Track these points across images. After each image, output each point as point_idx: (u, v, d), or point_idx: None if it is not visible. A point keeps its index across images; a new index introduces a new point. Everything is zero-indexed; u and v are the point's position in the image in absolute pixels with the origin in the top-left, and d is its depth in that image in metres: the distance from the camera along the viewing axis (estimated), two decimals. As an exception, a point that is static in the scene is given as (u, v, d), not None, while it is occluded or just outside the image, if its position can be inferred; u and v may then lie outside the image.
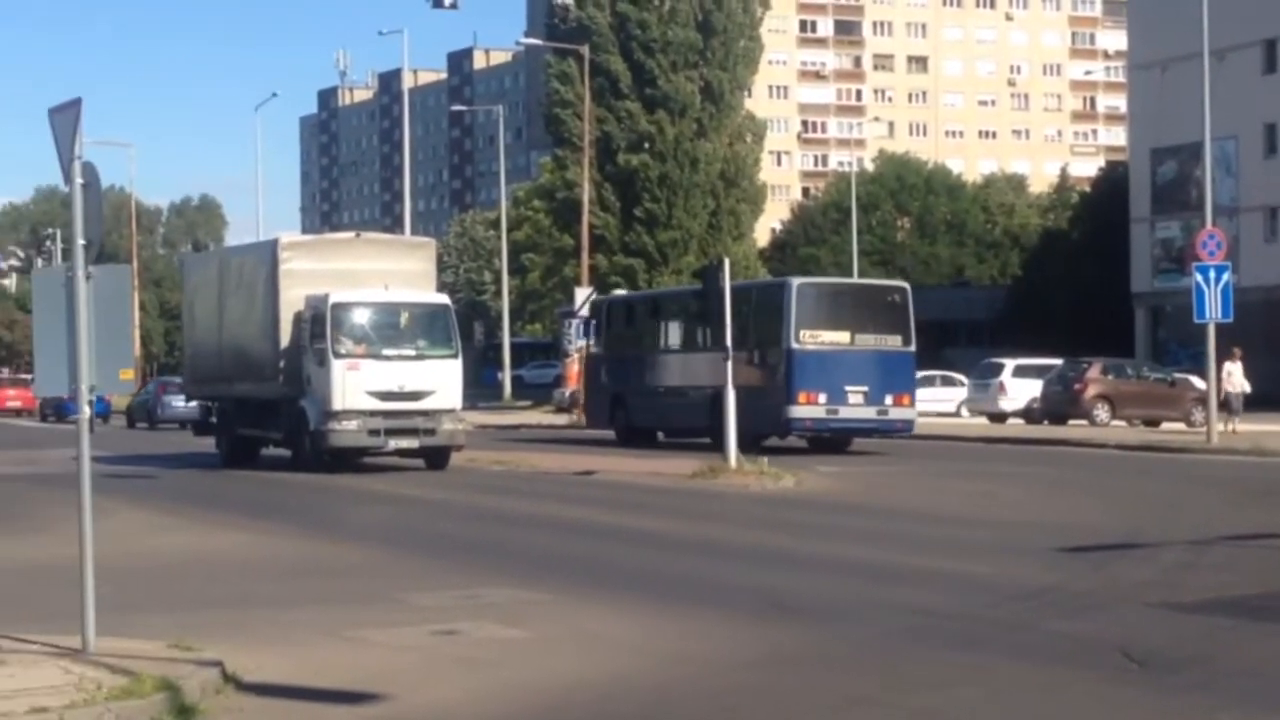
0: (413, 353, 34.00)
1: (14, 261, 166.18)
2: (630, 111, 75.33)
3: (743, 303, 36.73)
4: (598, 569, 18.92)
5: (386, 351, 33.54)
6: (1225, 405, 41.89)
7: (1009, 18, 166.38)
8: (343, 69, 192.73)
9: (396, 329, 34.21)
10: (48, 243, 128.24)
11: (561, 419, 59.03)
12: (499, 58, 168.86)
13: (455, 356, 34.54)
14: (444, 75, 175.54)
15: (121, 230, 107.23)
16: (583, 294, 58.30)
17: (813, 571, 18.31)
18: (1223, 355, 41.60)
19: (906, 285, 44.07)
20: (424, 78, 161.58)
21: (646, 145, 75.47)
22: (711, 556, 20.06)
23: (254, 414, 37.11)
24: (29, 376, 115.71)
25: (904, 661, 12.76)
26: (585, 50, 71.53)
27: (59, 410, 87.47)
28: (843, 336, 40.07)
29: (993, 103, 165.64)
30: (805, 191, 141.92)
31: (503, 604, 15.82)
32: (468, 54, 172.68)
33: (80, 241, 12.53)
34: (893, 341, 40.41)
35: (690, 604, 15.84)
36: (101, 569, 12.91)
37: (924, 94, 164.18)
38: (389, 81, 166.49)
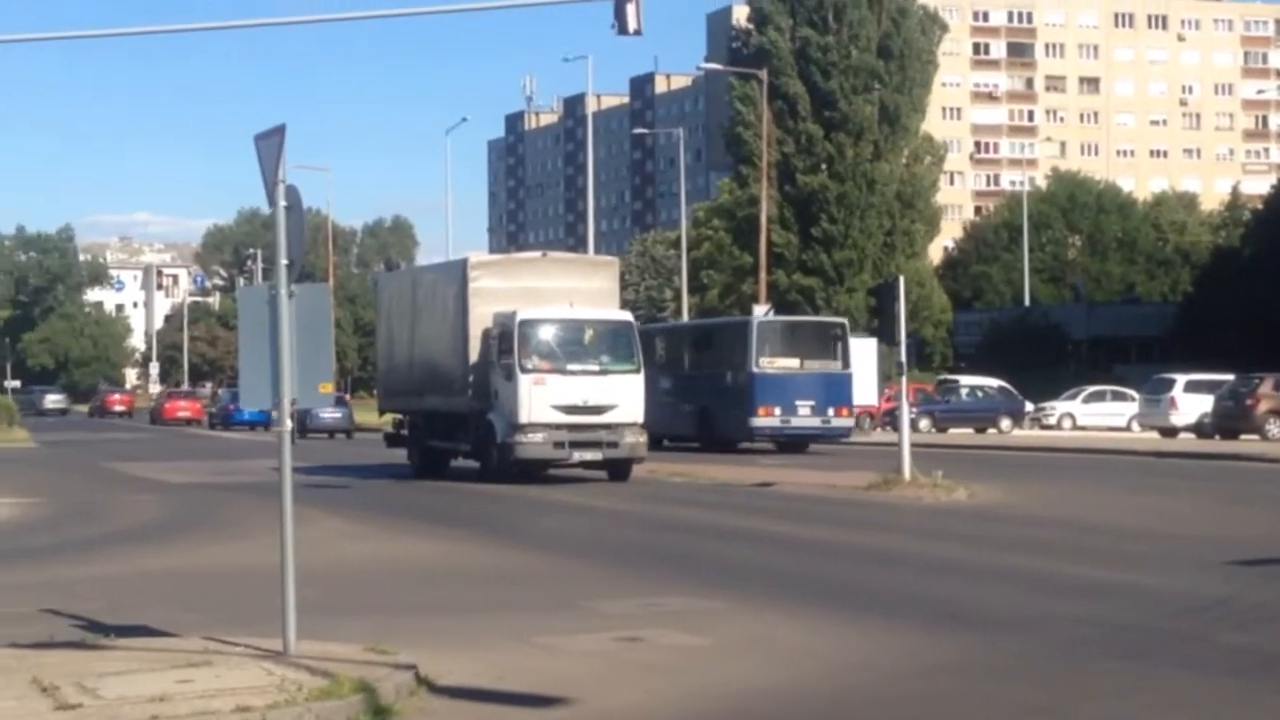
0: (596, 368, 33.88)
1: (218, 281, 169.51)
2: (809, 133, 75.23)
3: (716, 335, 44.59)
4: (775, 578, 18.88)
5: (571, 367, 33.49)
6: None
7: (1181, 38, 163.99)
8: (529, 94, 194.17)
9: (581, 345, 34.08)
10: (249, 262, 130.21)
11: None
12: (679, 82, 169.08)
13: (637, 371, 34.38)
14: (626, 99, 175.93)
15: (318, 250, 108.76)
16: (760, 310, 58.20)
17: (985, 582, 18.17)
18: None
19: (845, 321, 50.56)
20: (607, 102, 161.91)
21: (825, 166, 75.35)
22: (886, 566, 19.97)
23: (443, 427, 37.10)
24: (190, 389, 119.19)
25: (1076, 672, 12.61)
26: (765, 74, 71.28)
27: (225, 420, 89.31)
28: (793, 363, 46.96)
29: (1164, 122, 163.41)
30: (977, 210, 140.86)
31: (683, 611, 15.85)
32: (649, 79, 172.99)
33: (283, 261, 12.71)
34: (834, 366, 46.70)
35: (865, 613, 15.78)
36: (301, 574, 13.10)
37: (1095, 114, 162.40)
38: (573, 106, 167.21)
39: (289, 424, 13.48)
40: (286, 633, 12.67)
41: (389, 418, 42.26)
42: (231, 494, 33.73)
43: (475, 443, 35.21)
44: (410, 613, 15.72)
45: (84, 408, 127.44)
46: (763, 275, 65.76)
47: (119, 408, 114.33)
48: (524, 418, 32.88)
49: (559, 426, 33.13)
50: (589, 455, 33.96)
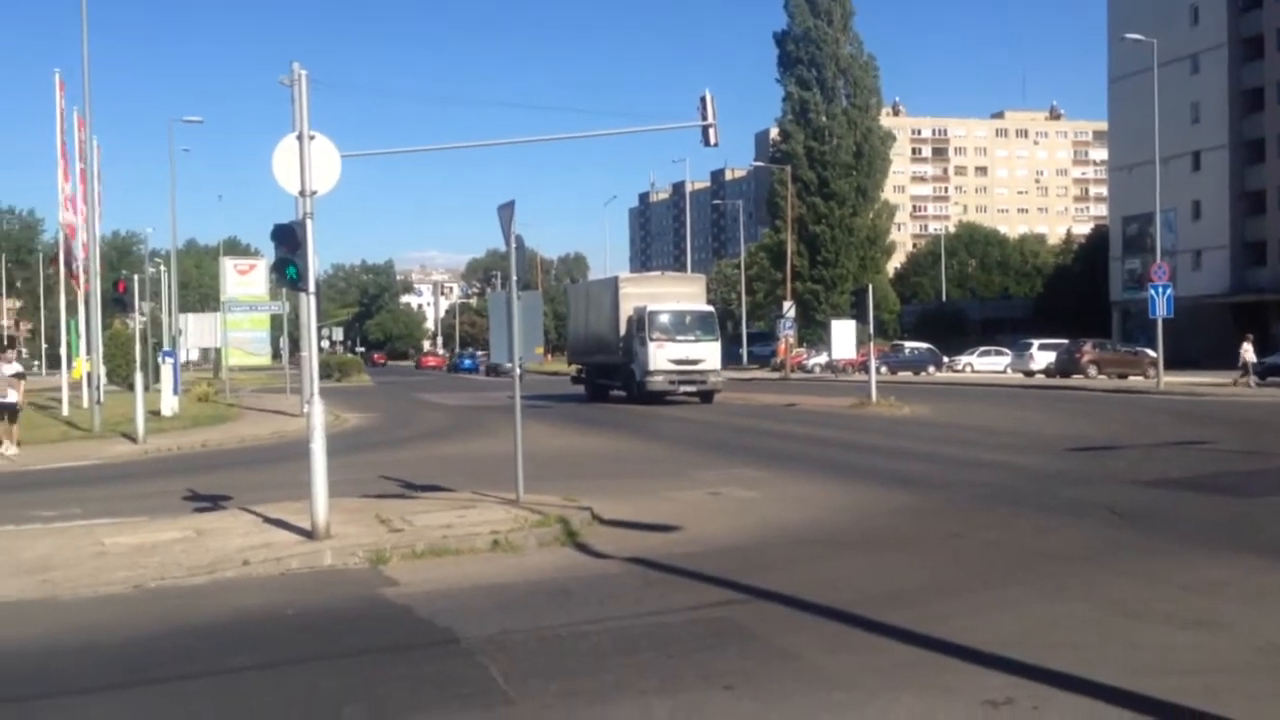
0: (692, 338, 33.81)
1: (474, 289, 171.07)
2: (814, 202, 74.92)
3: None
4: (797, 458, 18.82)
5: (678, 337, 33.59)
6: (1244, 369, 38.96)
7: (1036, 142, 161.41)
8: (652, 181, 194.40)
9: (684, 324, 33.90)
10: (494, 279, 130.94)
11: (776, 375, 58.83)
12: (740, 173, 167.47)
13: (716, 340, 34.61)
14: (708, 184, 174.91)
15: (532, 272, 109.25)
16: (788, 305, 57.69)
17: (922, 461, 18.00)
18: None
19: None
20: (698, 185, 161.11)
21: (824, 220, 75.12)
22: (862, 452, 19.83)
23: (605, 372, 37.04)
24: (433, 351, 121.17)
25: (978, 513, 12.48)
26: (790, 168, 71.60)
27: (454, 368, 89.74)
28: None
29: (1026, 192, 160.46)
30: (914, 245, 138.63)
31: (745, 477, 15.82)
32: (722, 171, 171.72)
33: (514, 278, 12.82)
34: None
35: (850, 478, 15.69)
36: (524, 456, 13.25)
37: (985, 188, 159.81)
38: (679, 187, 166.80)
39: (516, 369, 13.63)
40: (518, 489, 12.84)
41: (572, 367, 42.23)
42: (483, 411, 34.07)
43: (623, 381, 35.31)
44: (588, 478, 15.80)
45: (406, 363, 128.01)
46: (789, 285, 65.48)
47: (431, 364, 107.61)
48: (651, 367, 33.27)
49: (671, 372, 33.50)
50: (689, 388, 34.02)
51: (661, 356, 33.31)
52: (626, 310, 34.71)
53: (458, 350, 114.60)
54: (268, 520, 11.90)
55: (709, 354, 34.10)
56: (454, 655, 7.10)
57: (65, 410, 33.17)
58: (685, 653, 6.95)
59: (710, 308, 36.63)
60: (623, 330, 34.80)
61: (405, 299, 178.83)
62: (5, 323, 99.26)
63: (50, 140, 31.37)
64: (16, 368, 22.16)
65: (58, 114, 30.12)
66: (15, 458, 20.76)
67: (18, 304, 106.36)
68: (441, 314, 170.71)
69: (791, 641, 7.17)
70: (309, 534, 10.84)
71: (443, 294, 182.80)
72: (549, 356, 79.74)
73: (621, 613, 8.10)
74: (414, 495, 14.00)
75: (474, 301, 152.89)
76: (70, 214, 30.91)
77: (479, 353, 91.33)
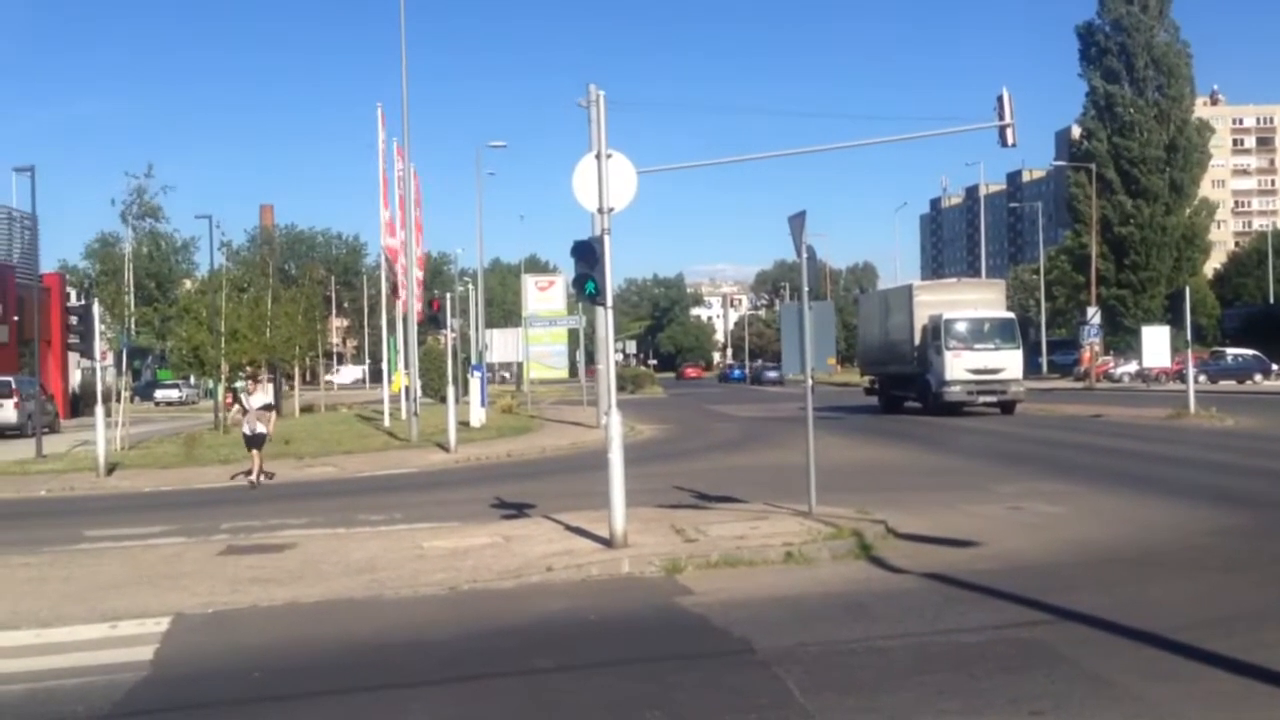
0: (991, 346, 32.78)
1: (763, 300, 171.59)
2: (1120, 201, 70.98)
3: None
4: (1106, 472, 17.84)
5: (976, 346, 32.66)
6: None
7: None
8: (944, 185, 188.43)
9: (982, 332, 32.89)
10: (782, 290, 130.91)
11: (1079, 385, 55.93)
12: (1038, 174, 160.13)
13: (1017, 348, 33.53)
14: (1004, 186, 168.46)
15: (820, 282, 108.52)
16: (1092, 311, 54.79)
17: (1248, 477, 16.68)
18: None
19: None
20: (993, 188, 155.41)
21: (1131, 220, 71.02)
22: (1179, 466, 18.57)
23: (899, 383, 36.28)
24: (697, 363, 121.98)
25: (1315, 534, 11.45)
26: (1093, 166, 68.24)
27: (724, 378, 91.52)
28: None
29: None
30: (1237, 244, 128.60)
31: (1049, 492, 15.16)
32: (1019, 173, 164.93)
33: (805, 288, 12.79)
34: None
35: (1167, 495, 14.72)
36: (817, 468, 13.17)
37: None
38: (972, 191, 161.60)
39: (810, 380, 13.54)
40: (811, 501, 12.77)
41: (865, 379, 41.55)
42: (772, 423, 34.13)
43: (918, 392, 34.48)
44: (881, 490, 15.56)
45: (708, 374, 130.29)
46: (1093, 290, 62.31)
47: (691, 374, 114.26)
48: (948, 376, 32.49)
49: (968, 382, 32.54)
50: (988, 399, 32.94)
51: (959, 366, 32.50)
52: (921, 319, 34.04)
53: (728, 362, 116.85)
54: (569, 528, 12.36)
55: (1009, 362, 32.97)
56: (750, 666, 7.13)
57: (386, 421, 35.62)
58: (988, 674, 6.70)
59: (1010, 314, 35.27)
60: (917, 339, 34.11)
61: (695, 311, 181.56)
62: (334, 340, 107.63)
63: (373, 169, 33.88)
64: (266, 399, 21.10)
65: (379, 145, 32.50)
66: (262, 484, 19.57)
67: (345, 323, 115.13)
68: (730, 326, 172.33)
69: (1104, 666, 6.78)
70: (607, 542, 11.18)
71: (732, 306, 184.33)
72: (839, 367, 79.04)
73: (919, 629, 7.91)
74: (707, 506, 14.18)
75: (763, 313, 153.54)
76: (390, 238, 33.26)
77: (749, 364, 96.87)
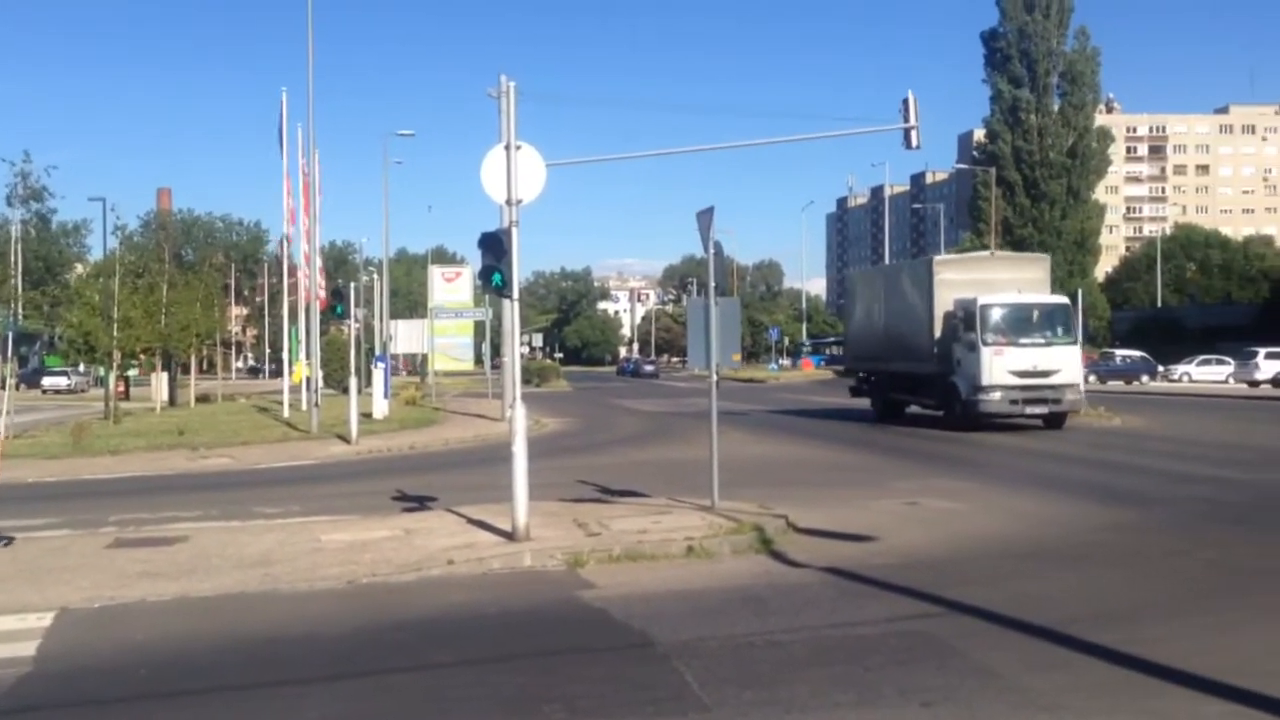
0: (1042, 341, 26.18)
1: (670, 295, 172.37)
2: (1021, 204, 72.87)
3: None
4: (999, 469, 18.34)
5: (1022, 340, 26.08)
6: None
7: (1265, 139, 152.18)
8: (850, 186, 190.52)
9: (1030, 323, 26.30)
10: (690, 286, 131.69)
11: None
12: (941, 176, 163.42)
13: (1075, 343, 26.89)
14: (908, 187, 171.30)
15: (726, 278, 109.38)
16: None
17: (1133, 475, 17.23)
18: None
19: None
20: (897, 189, 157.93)
21: (1031, 224, 72.94)
22: (1069, 464, 19.14)
23: (908, 384, 29.83)
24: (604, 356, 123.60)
25: (1195, 531, 11.88)
26: (994, 170, 69.88)
27: (624, 371, 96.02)
28: None
29: (1252, 192, 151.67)
30: (1128, 248, 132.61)
31: (943, 488, 15.50)
32: (922, 174, 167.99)
33: (712, 284, 12.89)
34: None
35: (1056, 492, 15.18)
36: (720, 463, 13.28)
37: (1206, 187, 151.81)
38: (878, 191, 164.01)
39: (715, 376, 13.66)
40: (713, 496, 12.89)
41: (850, 376, 35.49)
42: (677, 418, 34.28)
43: (939, 398, 27.86)
44: (783, 486, 15.75)
45: (606, 369, 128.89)
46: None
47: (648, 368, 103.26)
48: (985, 381, 25.81)
49: (1013, 387, 25.91)
50: (1038, 410, 26.33)
51: (1000, 366, 25.86)
52: (945, 303, 27.52)
53: (627, 356, 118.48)
54: (471, 521, 12.30)
55: (1066, 362, 26.37)
56: (649, 659, 7.18)
57: (286, 412, 35.04)
58: (881, 666, 6.84)
59: (1063, 299, 27.84)
60: (938, 330, 27.61)
61: (602, 305, 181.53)
62: (234, 329, 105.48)
63: (277, 156, 33.29)
64: None
65: (282, 130, 31.92)
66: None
67: (244, 311, 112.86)
68: (638, 320, 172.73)
69: (992, 658, 6.96)
70: (509, 536, 11.16)
71: (639, 300, 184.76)
72: (745, 363, 79.65)
73: (816, 622, 8.04)
74: (610, 500, 14.23)
75: (670, 308, 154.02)
76: (292, 226, 32.71)
77: (650, 359, 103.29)
